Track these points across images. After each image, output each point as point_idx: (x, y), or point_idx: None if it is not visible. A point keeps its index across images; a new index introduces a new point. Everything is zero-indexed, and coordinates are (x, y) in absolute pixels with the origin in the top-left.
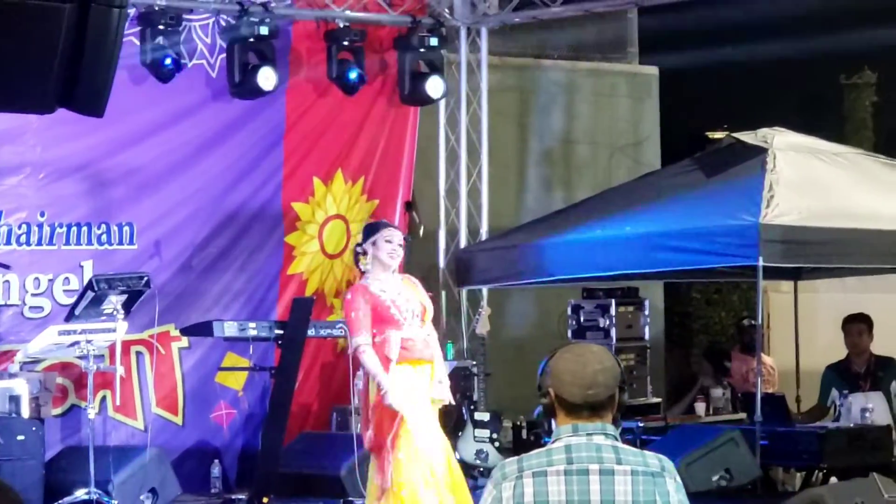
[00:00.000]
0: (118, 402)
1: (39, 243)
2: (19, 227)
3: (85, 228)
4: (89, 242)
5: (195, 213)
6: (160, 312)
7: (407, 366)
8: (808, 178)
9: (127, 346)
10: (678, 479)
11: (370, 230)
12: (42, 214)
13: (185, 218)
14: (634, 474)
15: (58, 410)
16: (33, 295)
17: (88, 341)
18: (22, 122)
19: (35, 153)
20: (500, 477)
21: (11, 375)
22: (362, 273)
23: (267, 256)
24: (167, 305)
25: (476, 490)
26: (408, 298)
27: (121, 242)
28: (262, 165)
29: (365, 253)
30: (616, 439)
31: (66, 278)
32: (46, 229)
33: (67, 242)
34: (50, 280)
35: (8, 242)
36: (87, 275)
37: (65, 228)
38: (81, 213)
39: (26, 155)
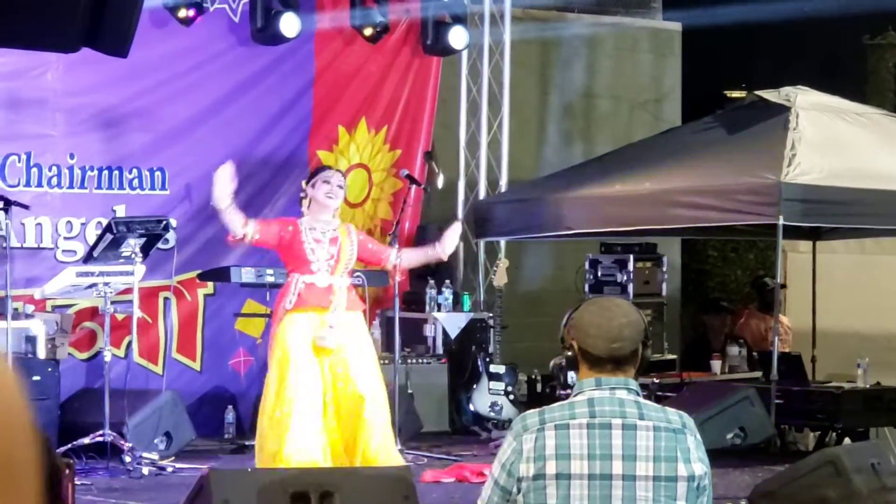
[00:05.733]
0: (142, 347)
1: (71, 186)
2: (49, 169)
3: (116, 172)
4: (121, 187)
5: (225, 159)
6: (190, 258)
7: (301, 314)
8: (831, 138)
9: (155, 291)
10: (698, 436)
11: (313, 173)
12: (71, 157)
13: (215, 164)
14: (657, 430)
15: (85, 354)
16: (66, 238)
17: (106, 283)
18: (41, 59)
19: (57, 93)
20: (521, 429)
21: (28, 316)
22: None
23: (290, 204)
24: (197, 251)
25: (490, 442)
26: (331, 240)
27: (153, 187)
28: (292, 113)
29: (306, 195)
30: (638, 394)
31: (99, 223)
32: (77, 173)
33: (99, 186)
34: (82, 224)
35: (39, 185)
36: None
37: (96, 172)
38: (112, 157)
39: (47, 94)
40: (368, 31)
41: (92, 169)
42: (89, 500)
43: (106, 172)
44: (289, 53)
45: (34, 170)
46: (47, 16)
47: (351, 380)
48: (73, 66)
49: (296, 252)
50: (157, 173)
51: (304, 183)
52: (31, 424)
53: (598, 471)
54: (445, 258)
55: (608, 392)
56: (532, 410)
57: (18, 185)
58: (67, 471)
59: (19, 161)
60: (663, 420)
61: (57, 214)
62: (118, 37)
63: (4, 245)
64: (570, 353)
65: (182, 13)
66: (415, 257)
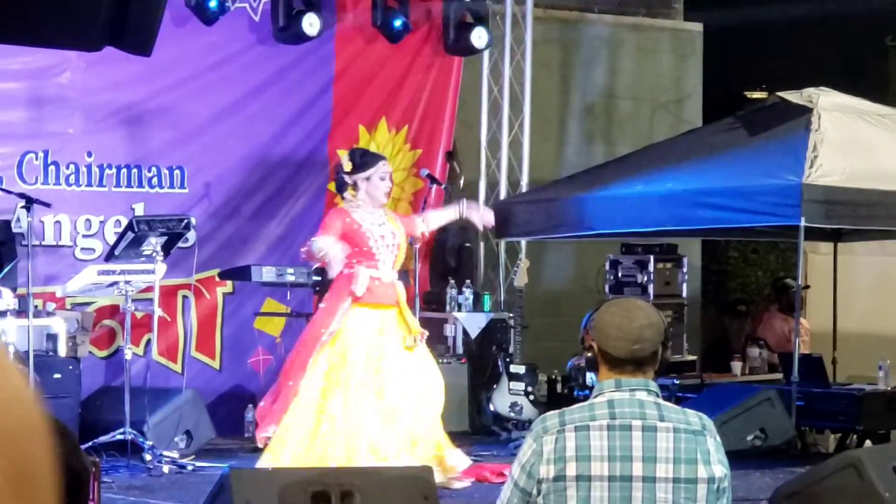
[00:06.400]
0: (161, 346)
1: (89, 184)
2: (67, 167)
3: (135, 171)
4: (140, 185)
5: (245, 158)
6: (209, 257)
7: (365, 308)
8: (853, 139)
9: (174, 289)
10: (718, 438)
11: (365, 162)
12: (89, 155)
13: (234, 163)
14: (676, 431)
15: (104, 352)
16: (84, 236)
17: (127, 282)
18: (62, 57)
19: (76, 91)
20: (540, 430)
21: (49, 314)
22: (343, 199)
23: (309, 204)
24: (216, 250)
25: (509, 443)
26: (392, 233)
27: (172, 186)
28: (312, 112)
29: (355, 185)
30: (658, 395)
31: (118, 220)
32: (95, 171)
33: (118, 185)
34: (101, 222)
35: (57, 182)
36: None
37: (114, 170)
38: (130, 155)
39: (67, 92)
40: (390, 31)
41: (111, 167)
42: (109, 497)
43: (125, 170)
44: (309, 53)
45: (52, 168)
46: (71, 14)
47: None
48: (93, 65)
49: (358, 244)
50: (177, 171)
51: (348, 165)
52: (48, 431)
53: (618, 472)
54: (463, 217)
55: (628, 393)
56: (552, 412)
57: (36, 183)
58: (94, 469)
59: (36, 159)
60: (683, 422)
61: (76, 212)
62: (142, 35)
63: (24, 243)
64: (589, 355)
65: (203, 12)
66: (438, 218)
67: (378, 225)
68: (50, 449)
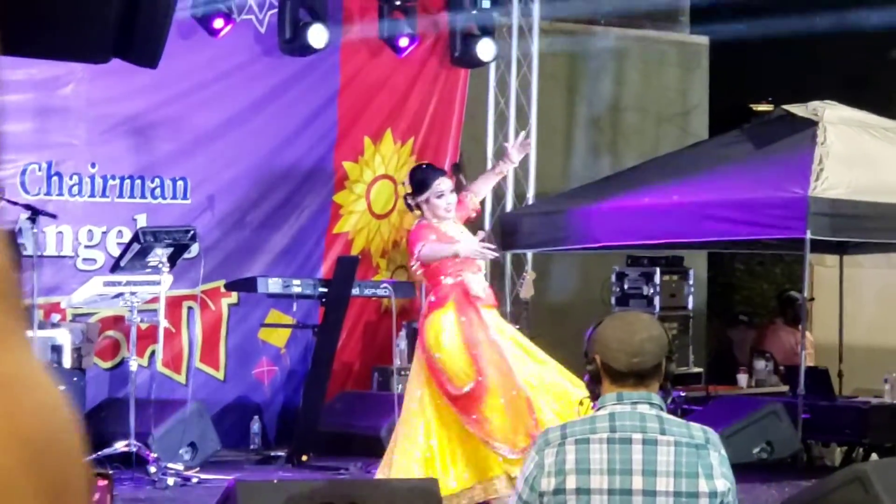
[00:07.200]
0: (166, 357)
1: (92, 195)
2: (70, 178)
3: (138, 182)
4: (143, 196)
5: (249, 169)
6: (213, 268)
7: (490, 310)
8: (858, 153)
9: (179, 300)
10: (723, 451)
11: (420, 184)
12: (93, 166)
13: (238, 174)
14: (678, 445)
15: (108, 364)
16: (86, 247)
17: (133, 293)
18: (67, 69)
19: (80, 102)
20: (543, 443)
21: (54, 325)
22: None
23: (314, 215)
24: (220, 261)
25: None
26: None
27: (174, 197)
28: (317, 124)
29: (419, 208)
30: (661, 409)
31: (120, 231)
32: (98, 181)
33: (121, 195)
34: (103, 233)
35: (60, 193)
36: None
37: (117, 181)
38: (134, 166)
39: (71, 103)
40: (395, 43)
41: (114, 178)
42: None
43: (128, 181)
44: (314, 64)
45: (55, 178)
46: (79, 27)
47: None
48: (98, 76)
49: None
50: (180, 183)
51: (408, 188)
52: (83, 448)
53: (618, 486)
54: (514, 165)
55: (629, 407)
56: (555, 425)
57: (39, 193)
58: (107, 482)
59: (39, 170)
60: (685, 435)
61: (78, 223)
62: (149, 47)
63: (26, 253)
64: (591, 368)
65: (210, 24)
66: (485, 184)
67: (460, 233)
68: (85, 465)
